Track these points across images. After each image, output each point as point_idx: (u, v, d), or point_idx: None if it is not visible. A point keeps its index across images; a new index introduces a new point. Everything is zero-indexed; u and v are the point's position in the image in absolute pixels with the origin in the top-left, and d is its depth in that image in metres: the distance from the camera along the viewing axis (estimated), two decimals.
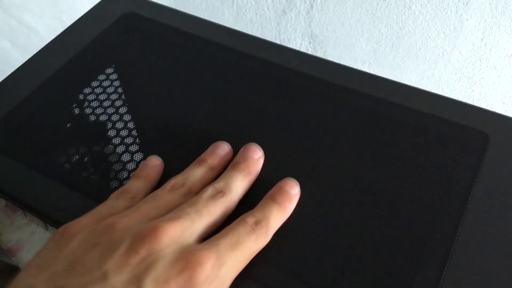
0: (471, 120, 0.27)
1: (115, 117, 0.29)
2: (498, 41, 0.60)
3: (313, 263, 0.22)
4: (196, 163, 0.25)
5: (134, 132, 0.28)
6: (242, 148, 0.26)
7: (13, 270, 0.38)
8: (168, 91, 0.30)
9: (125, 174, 0.26)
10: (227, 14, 0.78)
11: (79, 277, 0.19)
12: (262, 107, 0.29)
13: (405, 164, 0.25)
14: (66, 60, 0.32)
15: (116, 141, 0.28)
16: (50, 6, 0.54)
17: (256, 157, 0.25)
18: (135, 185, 0.24)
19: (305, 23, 0.72)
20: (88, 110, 0.30)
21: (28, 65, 0.32)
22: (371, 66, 0.73)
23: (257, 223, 0.22)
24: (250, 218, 0.22)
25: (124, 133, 0.28)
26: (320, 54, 0.76)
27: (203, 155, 0.25)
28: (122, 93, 0.31)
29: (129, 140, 0.28)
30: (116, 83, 0.31)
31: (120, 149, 0.28)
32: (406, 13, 0.63)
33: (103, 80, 0.31)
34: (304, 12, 0.70)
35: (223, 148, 0.26)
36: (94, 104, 0.30)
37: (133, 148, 0.28)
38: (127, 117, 0.29)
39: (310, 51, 0.76)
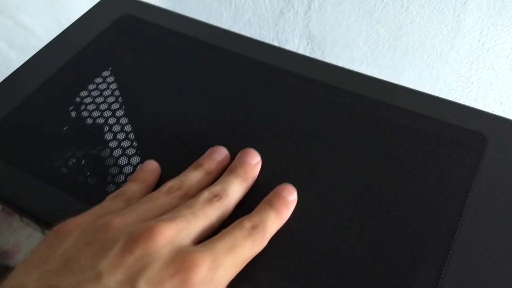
0: (468, 121, 0.27)
1: (112, 120, 0.29)
2: (495, 41, 0.60)
3: (311, 266, 0.22)
4: (193, 167, 0.25)
5: (131, 136, 0.28)
6: (239, 153, 0.25)
7: (8, 272, 0.37)
8: (166, 93, 0.30)
9: (122, 178, 0.26)
10: (225, 15, 0.78)
11: (72, 276, 0.19)
12: (259, 110, 0.29)
13: (403, 166, 0.25)
14: (63, 63, 0.32)
15: (113, 144, 0.28)
16: (48, 8, 0.54)
17: (254, 162, 0.25)
18: (132, 188, 0.24)
19: (303, 23, 0.72)
20: (85, 113, 0.29)
21: (25, 67, 0.32)
22: (369, 67, 0.73)
23: (254, 227, 0.22)
24: (247, 222, 0.22)
25: (121, 136, 0.28)
26: (318, 54, 0.76)
27: (200, 160, 0.25)
28: (119, 95, 0.31)
29: (126, 144, 0.28)
30: (114, 86, 0.31)
31: (117, 152, 0.27)
32: (403, 14, 0.63)
33: (100, 83, 0.31)
34: (302, 13, 0.70)
35: (221, 153, 0.26)
36: (91, 107, 0.30)
37: (130, 151, 0.27)
38: (124, 120, 0.29)
39: (308, 51, 0.76)
